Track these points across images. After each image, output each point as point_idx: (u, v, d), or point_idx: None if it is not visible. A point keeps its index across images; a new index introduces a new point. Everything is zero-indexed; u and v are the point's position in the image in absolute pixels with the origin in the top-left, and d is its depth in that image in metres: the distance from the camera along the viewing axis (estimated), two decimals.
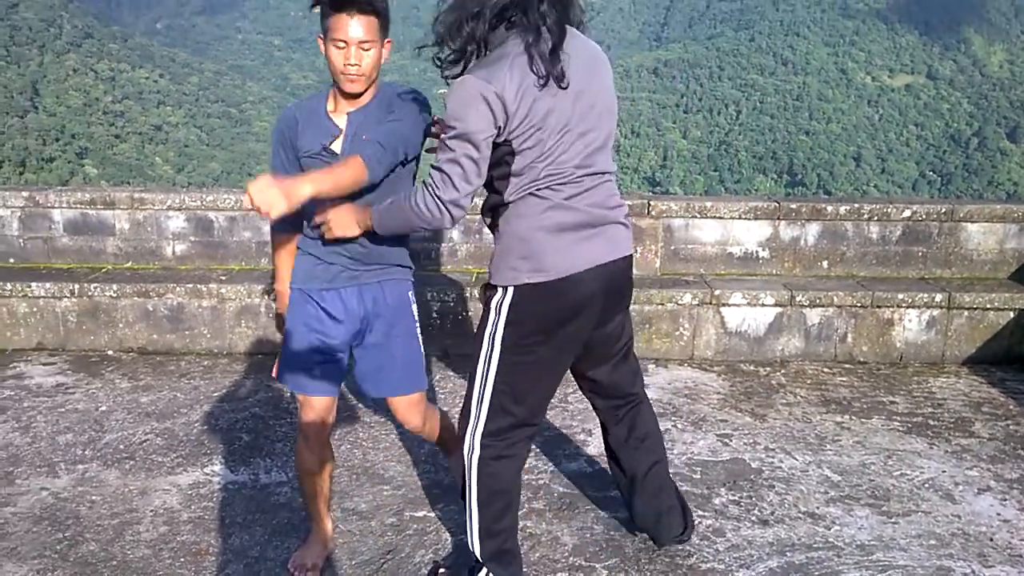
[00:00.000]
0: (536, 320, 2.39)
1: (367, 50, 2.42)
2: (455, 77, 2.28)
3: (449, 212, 2.30)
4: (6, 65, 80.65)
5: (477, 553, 2.53)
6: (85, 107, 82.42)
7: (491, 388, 2.44)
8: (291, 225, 2.60)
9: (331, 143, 2.51)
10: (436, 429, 2.93)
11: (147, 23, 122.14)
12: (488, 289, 2.47)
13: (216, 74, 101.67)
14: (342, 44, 2.40)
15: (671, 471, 3.45)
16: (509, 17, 2.25)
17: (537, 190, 2.32)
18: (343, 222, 2.46)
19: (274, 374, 2.71)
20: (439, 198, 2.28)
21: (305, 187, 2.22)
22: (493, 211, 2.44)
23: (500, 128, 2.23)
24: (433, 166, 2.32)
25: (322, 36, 2.45)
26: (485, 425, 2.46)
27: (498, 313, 2.41)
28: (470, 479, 2.49)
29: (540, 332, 2.40)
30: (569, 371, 2.63)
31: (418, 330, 2.76)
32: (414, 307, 2.75)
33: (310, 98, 2.61)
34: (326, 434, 2.70)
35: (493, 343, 2.42)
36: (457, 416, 2.81)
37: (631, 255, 2.52)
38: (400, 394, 2.76)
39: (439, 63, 2.31)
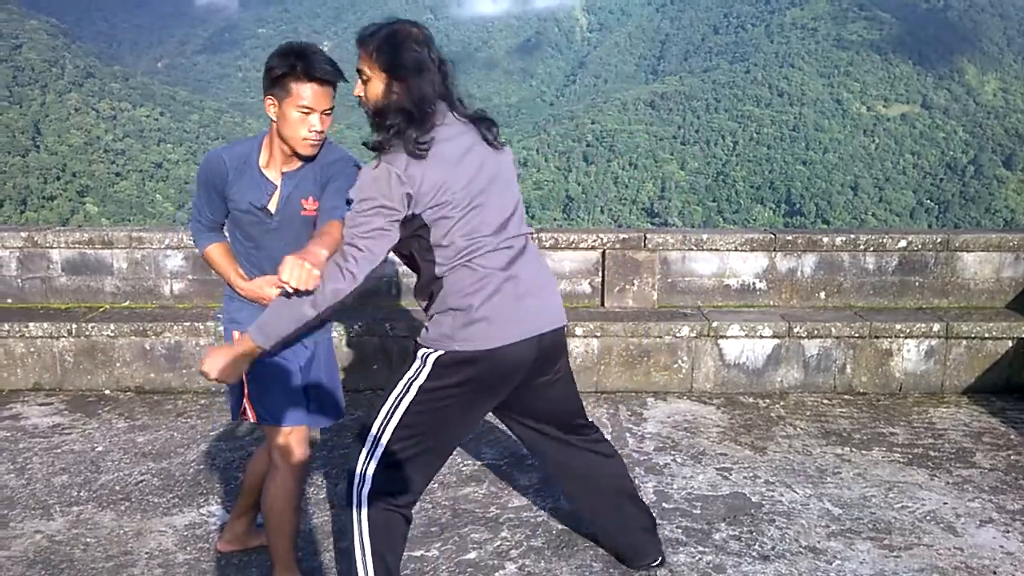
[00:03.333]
0: (460, 381, 2.46)
1: (328, 116, 2.49)
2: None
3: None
4: (8, 105, 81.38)
5: None
6: (86, 145, 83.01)
7: (392, 428, 2.46)
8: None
9: (267, 202, 2.55)
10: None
11: (148, 62, 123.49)
12: (415, 345, 2.54)
13: (217, 112, 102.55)
14: (307, 110, 2.45)
15: (672, 506, 3.43)
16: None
17: (467, 261, 2.41)
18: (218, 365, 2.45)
19: (252, 417, 2.68)
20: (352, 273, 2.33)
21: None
22: (428, 285, 2.49)
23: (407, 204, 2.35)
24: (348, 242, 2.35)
25: (273, 97, 2.46)
26: (379, 463, 2.47)
27: (423, 363, 2.47)
28: (360, 519, 2.47)
29: (460, 389, 2.48)
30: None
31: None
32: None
33: (239, 144, 2.61)
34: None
35: (408, 389, 2.47)
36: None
37: (564, 325, 2.64)
38: (334, 419, 2.87)
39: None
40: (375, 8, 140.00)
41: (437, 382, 2.45)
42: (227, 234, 2.73)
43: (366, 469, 2.46)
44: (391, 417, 2.46)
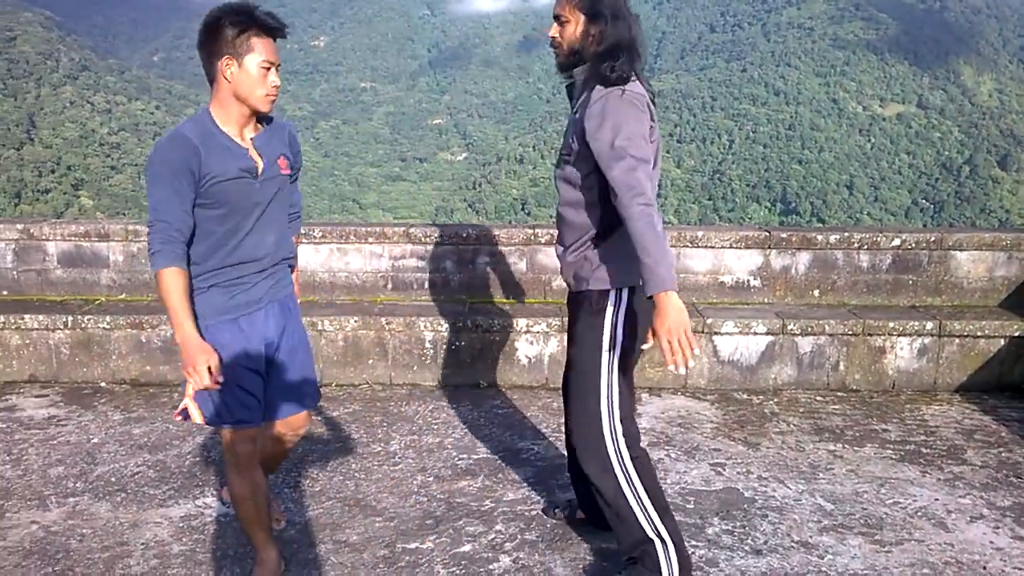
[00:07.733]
0: (643, 316, 2.68)
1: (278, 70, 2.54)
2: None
3: None
4: (3, 98, 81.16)
5: (663, 533, 2.68)
6: (81, 139, 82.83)
7: (617, 390, 2.71)
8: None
9: (253, 165, 2.53)
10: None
11: (144, 56, 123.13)
12: (596, 298, 2.69)
13: None
14: (267, 65, 2.48)
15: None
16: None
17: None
18: None
19: (200, 420, 2.56)
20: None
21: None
22: (613, 223, 2.62)
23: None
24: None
25: (231, 57, 2.43)
26: (623, 429, 2.71)
27: (616, 314, 2.67)
28: (629, 476, 2.69)
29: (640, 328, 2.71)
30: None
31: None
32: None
33: (187, 125, 2.49)
34: (257, 458, 2.72)
35: (615, 344, 2.68)
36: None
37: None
38: (307, 408, 2.84)
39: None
40: (372, 3, 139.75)
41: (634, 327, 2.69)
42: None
43: (618, 446, 2.69)
44: (612, 382, 2.70)
